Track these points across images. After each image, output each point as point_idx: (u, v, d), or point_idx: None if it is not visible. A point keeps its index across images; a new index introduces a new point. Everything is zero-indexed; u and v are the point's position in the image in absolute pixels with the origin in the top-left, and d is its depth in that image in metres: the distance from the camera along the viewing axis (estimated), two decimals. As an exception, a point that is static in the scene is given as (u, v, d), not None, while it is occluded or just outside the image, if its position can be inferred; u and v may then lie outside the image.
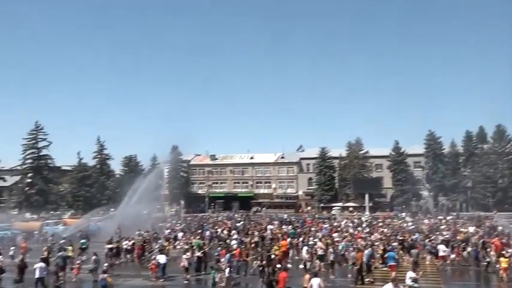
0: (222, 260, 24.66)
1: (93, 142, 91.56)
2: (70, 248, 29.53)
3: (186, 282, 23.91)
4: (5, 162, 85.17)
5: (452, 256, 27.98)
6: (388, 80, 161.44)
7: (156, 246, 30.49)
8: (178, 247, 30.23)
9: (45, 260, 25.92)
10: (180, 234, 38.23)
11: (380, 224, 48.65)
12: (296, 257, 27.46)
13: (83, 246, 30.51)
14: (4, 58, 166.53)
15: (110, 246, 30.17)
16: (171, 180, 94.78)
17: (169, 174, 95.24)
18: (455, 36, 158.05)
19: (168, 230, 43.99)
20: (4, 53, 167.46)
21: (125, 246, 31.55)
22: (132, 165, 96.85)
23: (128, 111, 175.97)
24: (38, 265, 21.94)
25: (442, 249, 27.94)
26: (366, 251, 24.73)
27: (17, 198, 78.42)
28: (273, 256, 24.22)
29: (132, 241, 32.49)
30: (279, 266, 19.90)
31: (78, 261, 23.25)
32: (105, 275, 20.19)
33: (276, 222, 51.25)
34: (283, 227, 44.94)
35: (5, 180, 79.81)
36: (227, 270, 21.90)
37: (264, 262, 21.55)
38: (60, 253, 26.67)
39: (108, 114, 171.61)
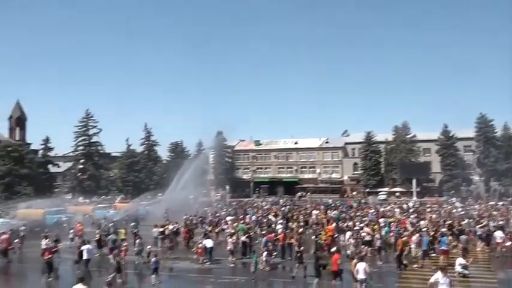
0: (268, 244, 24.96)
1: (140, 129, 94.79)
2: (123, 231, 30.68)
3: (231, 265, 24.27)
4: (59, 149, 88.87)
5: (508, 243, 26.84)
6: (436, 61, 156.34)
7: (202, 231, 30.88)
8: (226, 231, 30.87)
9: (99, 243, 27.80)
10: (228, 218, 39.00)
11: (428, 209, 46.90)
12: (341, 243, 27.74)
13: (135, 231, 31.47)
14: (54, 47, 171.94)
15: (161, 229, 31.01)
16: (216, 165, 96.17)
17: (214, 160, 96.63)
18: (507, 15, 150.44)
19: (213, 215, 45.04)
20: (54, 41, 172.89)
21: (170, 229, 32.37)
22: (178, 151, 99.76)
23: (174, 99, 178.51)
24: (86, 247, 23.04)
25: (499, 236, 27.03)
26: (413, 237, 24.98)
27: (70, 183, 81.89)
28: (319, 242, 24.58)
29: (179, 225, 33.48)
30: (333, 249, 20.12)
31: (125, 244, 24.46)
32: (155, 258, 21.20)
33: (321, 207, 51.33)
34: (329, 212, 44.83)
35: (58, 167, 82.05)
36: (264, 253, 22.43)
37: (302, 248, 21.84)
38: (110, 236, 28.01)
39: (155, 102, 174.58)
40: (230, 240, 25.72)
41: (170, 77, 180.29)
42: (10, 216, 45.43)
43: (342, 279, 17.74)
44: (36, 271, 23.72)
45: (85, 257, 22.64)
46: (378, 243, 25.26)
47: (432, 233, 27.21)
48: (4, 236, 27.50)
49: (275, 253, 25.63)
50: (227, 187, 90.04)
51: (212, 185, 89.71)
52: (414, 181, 75.80)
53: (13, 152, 70.55)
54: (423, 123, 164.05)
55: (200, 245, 25.53)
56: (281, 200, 68.73)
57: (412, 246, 24.00)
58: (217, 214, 44.98)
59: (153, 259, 20.72)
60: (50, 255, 21.83)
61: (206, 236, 27.61)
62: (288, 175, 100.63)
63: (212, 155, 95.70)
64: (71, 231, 31.70)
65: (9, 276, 24.73)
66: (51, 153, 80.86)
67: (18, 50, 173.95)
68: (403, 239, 24.12)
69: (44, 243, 25.49)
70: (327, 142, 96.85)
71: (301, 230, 30.26)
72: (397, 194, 78.31)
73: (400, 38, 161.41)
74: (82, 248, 23.24)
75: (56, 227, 38.76)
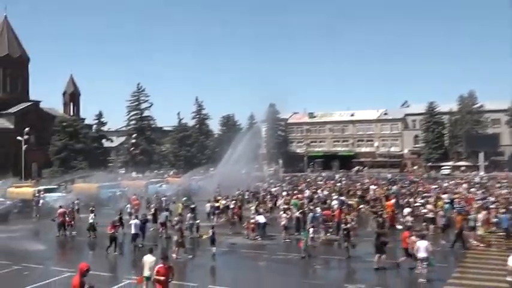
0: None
1: (191, 103, 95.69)
2: (180, 205, 30.88)
3: (285, 241, 24.24)
4: (112, 124, 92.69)
5: None
6: (503, 28, 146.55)
7: (252, 207, 30.66)
8: (281, 208, 30.14)
9: (154, 217, 28.77)
10: (284, 193, 38.82)
11: (497, 185, 45.78)
12: (401, 219, 27.01)
13: (191, 205, 31.00)
14: (107, 23, 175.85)
15: (216, 204, 31.47)
16: (269, 139, 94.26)
17: (267, 133, 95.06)
18: None
19: (266, 190, 44.80)
20: (107, 17, 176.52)
21: (222, 205, 32.56)
22: (230, 125, 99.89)
23: (225, 70, 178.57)
24: (133, 222, 23.69)
25: None
26: (480, 215, 24.35)
27: (123, 158, 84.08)
28: (379, 219, 23.93)
29: (231, 199, 33.22)
30: (399, 227, 20.13)
31: (176, 219, 24.40)
32: (211, 230, 21.86)
33: (380, 182, 50.42)
34: (388, 187, 43.95)
35: (112, 141, 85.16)
36: (311, 230, 22.11)
37: (349, 225, 21.68)
38: (163, 213, 28.03)
39: (206, 75, 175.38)
40: (284, 215, 25.57)
41: (221, 48, 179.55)
42: (67, 190, 47.11)
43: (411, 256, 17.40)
44: (94, 245, 25.13)
45: (133, 231, 23.33)
46: (441, 221, 24.59)
47: (503, 210, 25.75)
48: (61, 210, 28.42)
49: (331, 230, 25.82)
50: (280, 161, 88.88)
51: (265, 160, 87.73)
52: (481, 154, 72.78)
53: (68, 127, 74.24)
54: (492, 92, 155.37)
55: (252, 221, 25.52)
56: (337, 175, 68.01)
57: (478, 224, 23.35)
58: (270, 189, 44.94)
59: (210, 231, 21.49)
60: (113, 230, 22.53)
61: (258, 212, 27.55)
62: (344, 149, 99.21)
63: (265, 128, 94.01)
64: (128, 205, 32.18)
65: (69, 249, 25.91)
66: (105, 128, 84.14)
67: (71, 26, 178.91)
68: (463, 215, 23.83)
69: (91, 217, 26.62)
70: (385, 114, 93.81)
71: (361, 206, 30.41)
72: (463, 168, 75.34)
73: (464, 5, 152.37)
74: (130, 222, 24.00)
75: (110, 201, 40.14)
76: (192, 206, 29.62)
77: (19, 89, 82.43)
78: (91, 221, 26.09)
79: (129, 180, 56.06)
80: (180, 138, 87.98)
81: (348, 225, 21.27)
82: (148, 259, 14.26)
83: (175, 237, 20.96)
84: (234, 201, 31.99)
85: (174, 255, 19.77)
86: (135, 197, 36.39)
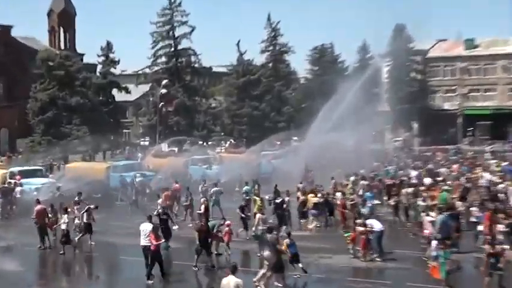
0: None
1: (259, 27, 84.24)
2: (258, 199, 24.23)
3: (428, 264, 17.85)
4: (127, 63, 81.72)
5: None
6: None
7: (365, 204, 23.41)
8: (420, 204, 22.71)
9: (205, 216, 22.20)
10: (427, 181, 28.31)
11: None
12: None
13: (273, 199, 24.57)
14: None
15: (301, 198, 24.86)
16: (393, 86, 71.73)
17: (390, 77, 72.53)
18: None
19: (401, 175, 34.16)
20: None
21: (314, 200, 24.47)
22: (325, 62, 74.70)
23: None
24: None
25: None
26: None
27: (147, 119, 64.62)
28: None
29: (334, 189, 26.70)
30: None
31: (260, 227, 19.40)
32: (288, 241, 16.57)
33: None
34: None
35: (128, 91, 64.20)
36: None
37: None
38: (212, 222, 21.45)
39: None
40: (427, 218, 19.52)
41: None
42: (55, 175, 38.00)
43: None
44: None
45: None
46: None
47: None
48: (39, 207, 22.56)
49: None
50: (415, 125, 70.01)
51: (387, 123, 64.53)
52: None
53: (57, 68, 56.24)
54: None
55: (361, 229, 18.94)
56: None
57: None
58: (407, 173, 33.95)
59: (286, 240, 16.68)
60: (155, 246, 16.82)
61: (371, 212, 22.45)
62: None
63: (387, 67, 71.12)
64: (159, 201, 24.89)
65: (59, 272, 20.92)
66: (116, 71, 64.78)
67: None
68: None
69: (63, 219, 21.17)
70: None
71: None
72: None
73: None
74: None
75: (125, 191, 32.09)
76: (278, 200, 23.63)
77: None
78: (63, 226, 20.95)
79: (156, 158, 43.83)
80: (242, 85, 65.91)
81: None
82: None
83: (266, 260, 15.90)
84: (339, 193, 25.46)
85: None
86: (174, 187, 28.23)
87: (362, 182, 28.38)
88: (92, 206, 22.46)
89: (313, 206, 24.53)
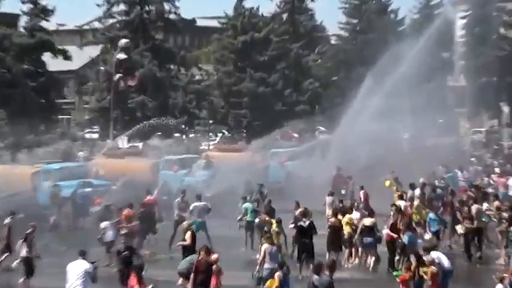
0: None
1: None
2: (273, 221, 19.34)
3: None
4: (66, 16, 69.35)
5: None
6: None
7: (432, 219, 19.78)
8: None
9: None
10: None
11: None
12: None
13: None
14: None
15: (331, 219, 19.89)
16: (473, 49, 57.01)
17: (468, 35, 58.10)
18: None
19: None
20: None
21: (368, 223, 19.20)
22: (369, 12, 56.98)
23: None
24: None
25: None
26: None
27: (96, 99, 52.31)
28: None
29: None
30: None
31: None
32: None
33: None
34: None
35: (68, 57, 49.51)
36: None
37: None
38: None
39: None
40: None
41: None
42: None
43: None
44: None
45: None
46: None
47: None
48: None
49: None
50: (505, 109, 57.06)
51: (461, 104, 51.97)
52: None
53: None
54: None
55: (433, 268, 14.00)
56: None
57: None
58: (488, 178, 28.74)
59: (315, 278, 12.41)
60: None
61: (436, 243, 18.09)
62: None
63: (463, 20, 58.32)
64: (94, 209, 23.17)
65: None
66: (50, 25, 50.89)
67: None
68: None
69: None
70: None
71: None
72: None
73: None
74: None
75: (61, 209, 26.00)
76: (304, 222, 17.92)
77: None
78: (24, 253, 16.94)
79: (110, 158, 35.73)
80: (242, 47, 51.27)
81: None
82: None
83: None
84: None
85: None
86: (146, 200, 22.19)
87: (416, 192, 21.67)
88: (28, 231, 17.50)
89: (367, 231, 18.96)
